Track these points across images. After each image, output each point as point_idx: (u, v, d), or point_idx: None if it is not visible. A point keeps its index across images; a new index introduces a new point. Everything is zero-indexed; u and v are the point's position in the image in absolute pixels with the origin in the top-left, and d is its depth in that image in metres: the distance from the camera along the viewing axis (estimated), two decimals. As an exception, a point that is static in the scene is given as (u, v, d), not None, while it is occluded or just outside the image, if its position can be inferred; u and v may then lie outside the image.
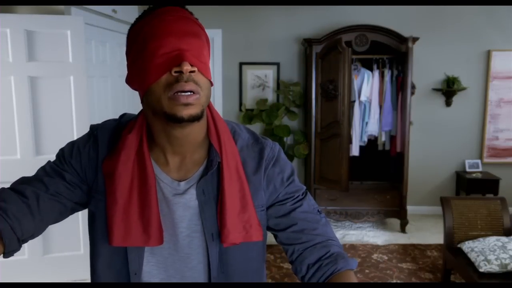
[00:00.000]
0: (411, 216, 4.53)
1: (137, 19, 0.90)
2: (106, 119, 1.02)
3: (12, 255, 0.86)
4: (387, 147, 4.50)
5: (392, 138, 4.46)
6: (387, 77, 4.32)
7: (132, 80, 0.90)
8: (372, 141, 4.53)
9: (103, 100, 3.71)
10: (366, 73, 4.33)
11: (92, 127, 0.99)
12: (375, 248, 3.95)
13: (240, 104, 4.78)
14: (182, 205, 0.93)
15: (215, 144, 0.93)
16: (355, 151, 4.38)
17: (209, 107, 0.95)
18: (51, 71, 3.02)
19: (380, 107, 4.36)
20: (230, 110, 4.78)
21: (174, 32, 0.84)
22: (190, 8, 0.94)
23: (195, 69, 0.83)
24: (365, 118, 4.37)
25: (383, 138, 4.43)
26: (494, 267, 2.66)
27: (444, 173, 4.84)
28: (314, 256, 0.95)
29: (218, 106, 4.72)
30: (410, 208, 4.49)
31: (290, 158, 4.50)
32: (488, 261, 2.68)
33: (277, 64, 4.72)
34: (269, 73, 4.74)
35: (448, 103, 4.71)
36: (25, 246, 2.88)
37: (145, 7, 0.90)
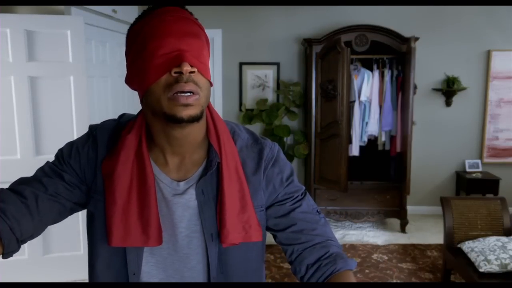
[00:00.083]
0: (411, 216, 4.53)
1: (136, 19, 0.90)
2: (106, 119, 1.02)
3: (11, 255, 0.86)
4: (387, 147, 4.50)
5: (392, 138, 4.46)
6: (387, 77, 4.32)
7: (131, 80, 0.90)
8: (372, 141, 4.53)
9: (103, 100, 3.72)
10: (366, 73, 4.33)
11: (91, 127, 0.99)
12: (375, 248, 3.95)
13: (240, 104, 4.78)
14: (182, 205, 0.93)
15: (215, 145, 0.93)
16: (355, 151, 4.38)
17: (209, 107, 0.95)
18: (51, 71, 3.02)
19: (380, 107, 4.36)
20: (230, 110, 4.78)
21: (174, 32, 0.84)
22: (190, 8, 0.94)
23: (195, 69, 0.83)
24: (365, 118, 4.37)
25: (383, 138, 4.42)
26: (494, 267, 2.66)
27: (444, 173, 4.85)
28: (313, 256, 0.95)
29: (218, 106, 4.72)
30: (410, 208, 4.49)
31: (290, 158, 4.50)
32: (488, 261, 2.68)
33: (277, 64, 4.73)
34: (269, 73, 4.74)
35: (448, 103, 4.71)
36: (25, 246, 2.88)
37: (145, 7, 0.90)
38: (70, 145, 0.98)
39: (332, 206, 4.36)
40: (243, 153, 0.98)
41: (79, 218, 3.13)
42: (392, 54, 4.28)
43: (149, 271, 0.95)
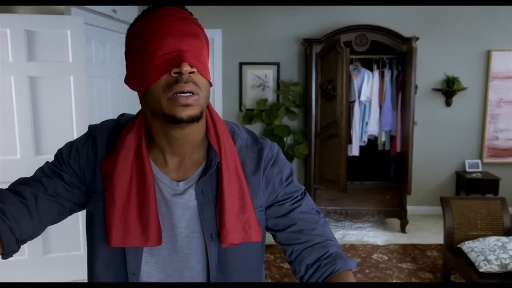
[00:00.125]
0: (411, 216, 4.53)
1: (136, 19, 0.90)
2: (106, 119, 1.02)
3: (11, 256, 0.86)
4: (387, 147, 4.50)
5: (392, 138, 4.46)
6: (387, 77, 4.32)
7: (131, 80, 0.90)
8: (372, 141, 4.53)
9: (103, 100, 3.72)
10: (366, 73, 4.33)
11: (91, 127, 0.99)
12: (375, 248, 3.95)
13: (240, 104, 4.78)
14: (181, 205, 0.93)
15: (214, 145, 0.93)
16: (355, 151, 4.38)
17: (208, 107, 0.95)
18: (51, 71, 3.02)
19: (380, 107, 4.36)
20: (230, 110, 4.78)
21: (174, 32, 0.84)
22: (190, 8, 0.94)
23: (195, 70, 0.83)
24: (365, 118, 4.37)
25: (383, 138, 4.43)
26: (494, 267, 2.66)
27: (444, 173, 4.85)
28: (313, 256, 0.95)
29: (218, 106, 4.72)
30: (410, 208, 4.49)
31: (290, 158, 4.50)
32: (488, 261, 2.68)
33: (277, 64, 4.73)
34: (269, 73, 4.74)
35: (448, 103, 4.71)
36: (25, 246, 2.88)
37: (145, 7, 0.90)
38: (70, 145, 0.98)
39: (332, 206, 4.36)
40: (242, 153, 0.98)
41: (79, 218, 3.13)
42: (392, 54, 4.28)
43: (148, 271, 0.95)
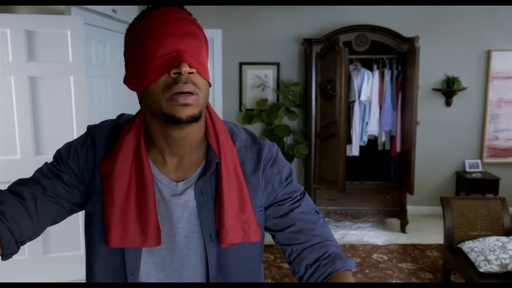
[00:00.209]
0: (411, 216, 4.52)
1: (135, 19, 0.90)
2: (106, 119, 1.02)
3: (11, 257, 0.86)
4: (387, 147, 4.50)
5: (392, 138, 4.46)
6: (387, 77, 4.32)
7: (130, 80, 0.90)
8: (372, 141, 4.53)
9: (103, 100, 3.72)
10: (366, 73, 4.33)
11: (89, 128, 0.98)
12: (375, 248, 3.95)
13: (240, 104, 4.78)
14: (180, 206, 0.93)
15: (214, 145, 0.93)
16: (355, 151, 4.38)
17: (207, 107, 0.95)
18: (51, 71, 3.02)
19: (380, 107, 4.36)
20: (230, 110, 4.78)
21: (173, 33, 0.84)
22: (190, 8, 0.94)
23: (194, 70, 0.83)
24: (365, 118, 4.37)
25: (383, 138, 4.42)
26: (494, 267, 2.66)
27: (444, 173, 4.84)
28: (312, 256, 0.95)
29: (218, 106, 4.72)
30: (410, 208, 4.49)
31: (290, 158, 4.50)
32: (488, 261, 2.68)
33: (277, 64, 4.73)
34: (269, 73, 4.74)
35: (448, 103, 4.71)
36: (25, 246, 2.87)
37: (145, 7, 0.90)
38: (69, 145, 0.98)
39: (332, 206, 4.36)
40: (242, 153, 0.98)
41: (79, 218, 3.13)
42: (392, 54, 4.28)
43: (147, 272, 0.95)
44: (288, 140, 4.71)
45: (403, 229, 4.34)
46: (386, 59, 4.33)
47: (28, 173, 0.98)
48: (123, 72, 0.93)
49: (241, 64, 4.74)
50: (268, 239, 1.07)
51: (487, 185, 4.50)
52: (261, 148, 0.99)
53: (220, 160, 0.92)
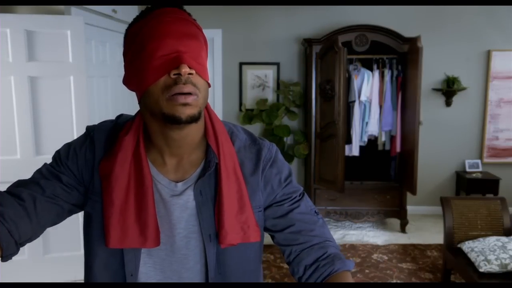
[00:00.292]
0: (411, 216, 4.53)
1: (134, 19, 0.90)
2: (106, 119, 1.02)
3: (10, 258, 0.86)
4: (387, 147, 4.50)
5: (392, 138, 4.46)
6: (387, 77, 4.32)
7: (129, 81, 0.90)
8: (372, 141, 4.53)
9: (103, 100, 3.72)
10: (366, 73, 4.33)
11: (89, 128, 0.98)
12: (375, 248, 3.95)
13: (240, 104, 4.78)
14: (180, 206, 0.93)
15: (213, 145, 0.93)
16: (355, 151, 4.38)
17: (207, 108, 0.95)
18: (51, 71, 3.02)
19: (380, 107, 4.36)
20: (230, 110, 4.78)
21: (172, 33, 0.83)
22: (189, 8, 0.94)
23: (193, 71, 0.83)
24: (365, 118, 4.37)
25: (383, 138, 4.42)
26: (494, 267, 2.66)
27: (444, 173, 4.84)
28: (311, 257, 0.95)
29: (218, 106, 4.72)
30: (410, 208, 4.49)
31: (290, 158, 4.50)
32: (488, 261, 2.68)
33: (277, 64, 4.73)
34: (269, 73, 4.74)
35: (448, 103, 4.71)
36: (25, 246, 2.87)
37: (145, 7, 0.90)
38: (68, 146, 0.97)
39: (332, 206, 4.36)
40: (241, 153, 0.98)
41: (79, 218, 3.12)
42: (392, 54, 4.28)
43: (146, 272, 0.95)
44: (288, 140, 4.71)
45: (403, 229, 4.34)
46: (386, 59, 4.33)
47: (28, 173, 0.98)
48: (123, 72, 0.93)
49: (241, 64, 4.74)
50: (268, 239, 1.07)
51: (487, 185, 4.50)
52: (260, 148, 0.99)
53: (220, 160, 0.92)
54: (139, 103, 0.91)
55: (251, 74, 4.75)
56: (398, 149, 4.36)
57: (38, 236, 0.92)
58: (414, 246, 3.99)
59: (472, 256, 2.79)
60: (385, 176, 4.56)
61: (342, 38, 4.05)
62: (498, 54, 4.60)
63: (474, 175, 4.60)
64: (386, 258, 3.73)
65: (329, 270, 0.92)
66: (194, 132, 0.91)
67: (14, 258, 0.87)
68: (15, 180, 0.94)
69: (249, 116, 4.64)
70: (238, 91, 4.78)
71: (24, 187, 0.91)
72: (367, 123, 4.37)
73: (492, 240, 2.85)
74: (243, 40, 4.71)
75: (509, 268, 2.65)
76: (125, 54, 0.91)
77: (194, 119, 0.85)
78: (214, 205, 0.93)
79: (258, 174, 0.97)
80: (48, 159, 0.99)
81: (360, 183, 4.36)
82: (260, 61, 4.72)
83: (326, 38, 4.18)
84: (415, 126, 4.01)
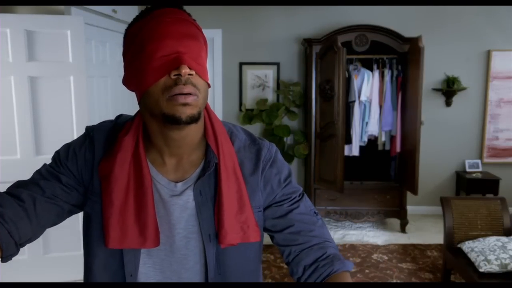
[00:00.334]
0: (411, 216, 4.53)
1: (134, 19, 0.90)
2: (106, 119, 1.02)
3: (10, 259, 0.86)
4: (387, 147, 4.50)
5: (392, 138, 4.46)
6: (387, 77, 4.32)
7: (129, 81, 0.90)
8: (372, 141, 4.53)
9: (103, 100, 3.72)
10: (366, 73, 4.33)
11: (88, 129, 0.98)
12: (375, 248, 3.95)
13: (240, 104, 4.78)
14: (179, 206, 0.93)
15: (213, 145, 0.93)
16: (355, 151, 4.38)
17: (206, 108, 0.95)
18: (51, 71, 3.02)
19: (380, 107, 4.36)
20: (230, 110, 4.78)
21: (172, 34, 0.83)
22: (189, 8, 0.94)
23: (193, 72, 0.83)
24: (365, 118, 4.37)
25: (383, 138, 4.43)
26: (494, 267, 2.66)
27: (444, 173, 4.84)
28: (310, 257, 0.95)
29: (218, 106, 4.72)
30: (410, 208, 4.49)
31: (290, 158, 4.50)
32: (488, 261, 2.68)
33: (277, 64, 4.73)
34: (269, 73, 4.74)
35: (448, 103, 4.71)
36: (25, 246, 2.88)
37: (145, 8, 0.90)
38: (67, 146, 0.97)
39: (332, 206, 4.36)
40: (241, 153, 0.98)
41: (79, 218, 3.10)
42: (392, 54, 4.28)
43: (146, 273, 0.94)
44: (288, 140, 4.71)
45: (403, 229, 4.34)
46: (386, 59, 4.33)
47: (28, 173, 0.98)
48: (123, 72, 0.93)
49: (241, 64, 4.74)
50: (268, 239, 1.07)
51: (487, 185, 4.50)
52: (260, 148, 0.99)
53: (219, 160, 0.92)
54: (139, 103, 0.91)
55: (251, 74, 4.75)
56: (398, 149, 4.36)
57: (38, 236, 0.92)
58: (414, 246, 3.99)
59: (472, 256, 2.79)
60: (385, 176, 4.56)
61: (342, 38, 4.05)
62: (498, 54, 4.60)
63: (474, 175, 4.60)
64: (386, 258, 3.73)
65: (328, 270, 0.92)
66: (193, 132, 0.91)
67: (14, 258, 0.87)
68: (15, 180, 0.94)
69: (249, 116, 4.64)
70: (238, 91, 4.78)
71: (23, 188, 0.91)
72: (367, 123, 4.37)
73: (492, 240, 2.85)
74: (243, 40, 4.71)
75: (509, 268, 2.65)
76: (124, 55, 0.90)
77: (194, 120, 0.85)
78: (213, 205, 0.93)
79: (257, 174, 0.97)
80: (48, 159, 0.99)
81: (360, 183, 4.36)
82: (260, 61, 4.72)
83: (326, 38, 4.17)
84: (416, 126, 4.00)
